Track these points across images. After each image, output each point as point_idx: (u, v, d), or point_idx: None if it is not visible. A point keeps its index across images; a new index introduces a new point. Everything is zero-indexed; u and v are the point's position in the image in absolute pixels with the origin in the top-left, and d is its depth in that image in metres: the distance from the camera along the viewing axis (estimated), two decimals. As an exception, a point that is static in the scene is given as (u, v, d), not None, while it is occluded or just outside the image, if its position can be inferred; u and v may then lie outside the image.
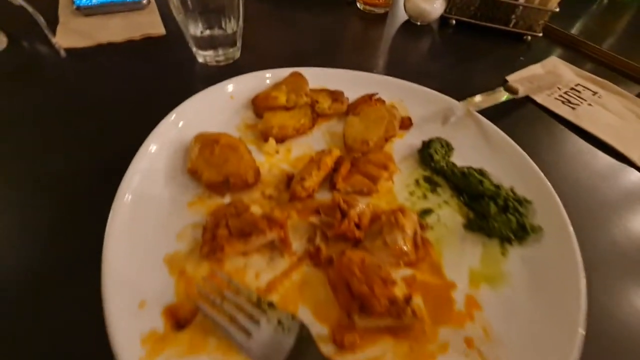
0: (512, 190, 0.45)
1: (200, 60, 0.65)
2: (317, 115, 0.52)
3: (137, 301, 0.32)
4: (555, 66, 0.76)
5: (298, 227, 0.40)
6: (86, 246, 0.34)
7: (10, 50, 0.64)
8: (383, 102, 0.54)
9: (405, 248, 0.37)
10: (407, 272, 0.38)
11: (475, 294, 0.36)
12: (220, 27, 0.61)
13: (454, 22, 0.86)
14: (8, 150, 0.47)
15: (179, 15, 0.58)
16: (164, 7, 0.75)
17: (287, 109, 0.51)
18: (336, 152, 0.46)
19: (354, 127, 0.49)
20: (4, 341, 0.31)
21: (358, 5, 0.90)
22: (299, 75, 0.54)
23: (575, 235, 0.39)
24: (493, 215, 0.42)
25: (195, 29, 0.60)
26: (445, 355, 0.32)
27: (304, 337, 0.31)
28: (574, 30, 0.93)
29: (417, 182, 0.47)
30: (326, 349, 0.31)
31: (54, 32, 0.66)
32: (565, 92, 0.69)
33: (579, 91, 0.70)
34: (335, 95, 0.54)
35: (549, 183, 0.44)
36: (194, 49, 0.64)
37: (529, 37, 0.83)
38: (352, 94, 0.55)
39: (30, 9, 0.62)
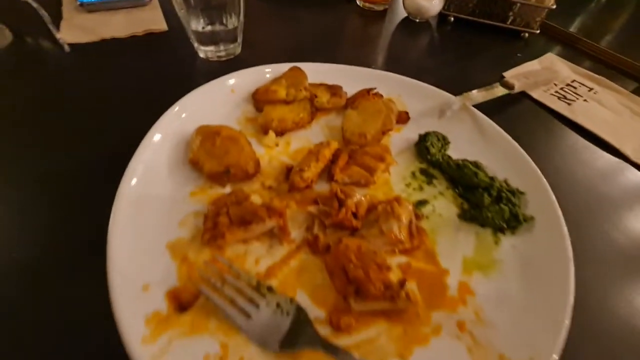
0: (506, 182, 0.46)
1: (202, 55, 0.66)
2: (316, 109, 0.53)
3: (141, 284, 0.33)
4: (552, 63, 0.77)
5: (297, 217, 0.42)
6: (92, 232, 0.36)
7: (15, 45, 0.65)
8: (381, 96, 0.55)
9: (400, 236, 0.38)
10: (402, 259, 0.39)
11: (468, 281, 0.38)
12: (222, 23, 0.62)
13: (452, 19, 0.87)
14: (15, 142, 0.48)
15: (180, 11, 0.59)
16: (166, 4, 0.76)
17: (286, 103, 0.52)
18: (334, 145, 0.47)
19: (352, 121, 0.51)
20: (18, 318, 0.33)
21: (357, 2, 0.91)
22: (299, 70, 0.55)
23: (566, 226, 0.40)
24: (486, 205, 0.43)
25: (196, 24, 0.61)
26: (438, 337, 0.33)
27: (301, 319, 0.32)
28: (572, 28, 0.94)
29: (413, 174, 0.48)
30: (323, 330, 0.32)
31: (57, 27, 0.67)
32: (562, 88, 0.70)
33: (574, 87, 0.71)
34: (334, 90, 0.55)
35: (541, 175, 0.45)
36: (196, 45, 0.65)
37: (526, 34, 0.84)
38: (350, 89, 0.56)
39: (34, 4, 0.63)
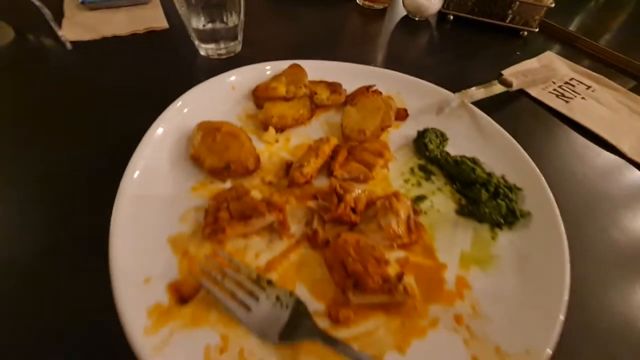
0: (503, 178, 0.46)
1: (203, 53, 0.66)
2: (315, 106, 0.54)
3: (142, 277, 0.33)
4: (551, 61, 0.78)
5: (296, 212, 0.42)
6: (94, 226, 0.36)
7: (17, 43, 0.65)
8: (380, 93, 0.56)
9: (398, 231, 0.39)
10: (400, 254, 0.39)
11: (466, 275, 0.38)
12: (222, 21, 0.63)
13: (451, 17, 0.88)
14: (17, 139, 0.49)
15: (181, 9, 0.59)
16: (167, 2, 0.77)
17: (286, 99, 0.53)
18: (334, 141, 0.47)
19: (351, 117, 0.51)
20: (22, 311, 0.33)
21: (357, 0, 0.92)
22: (299, 67, 0.56)
23: (563, 222, 0.41)
24: (484, 201, 0.43)
25: (197, 22, 0.61)
26: (435, 330, 0.34)
27: (300, 312, 0.33)
28: (571, 27, 0.94)
29: (412, 170, 0.49)
30: (322, 323, 0.33)
31: (59, 25, 0.67)
32: (560, 86, 0.71)
33: (573, 85, 0.72)
34: (334, 87, 0.55)
35: (538, 171, 0.46)
36: (196, 42, 0.65)
37: (525, 33, 0.84)
38: (350, 86, 0.56)
39: (37, 2, 0.63)
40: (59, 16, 0.70)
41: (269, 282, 0.35)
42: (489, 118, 0.53)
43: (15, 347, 0.31)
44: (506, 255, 0.40)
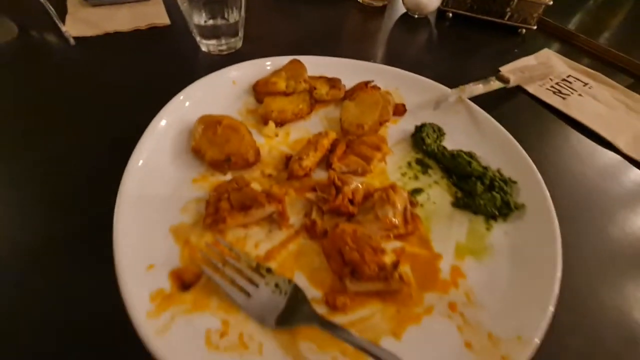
0: (499, 171, 0.47)
1: (204, 49, 0.67)
2: (315, 101, 0.55)
3: (145, 264, 0.34)
4: (548, 58, 0.79)
5: (295, 203, 0.43)
6: (99, 217, 0.37)
7: (20, 39, 0.66)
8: (378, 88, 0.56)
9: (395, 221, 0.40)
10: (397, 244, 0.40)
11: (460, 265, 0.39)
12: (223, 17, 0.63)
13: (450, 15, 0.88)
14: (21, 132, 0.50)
15: (183, 5, 0.60)
16: (169, -2, 0.78)
17: (286, 94, 0.54)
18: (332, 134, 0.48)
19: (350, 112, 0.52)
20: (29, 297, 0.34)
21: (357, -2, 0.93)
22: (298, 62, 0.57)
23: (557, 214, 0.41)
24: (479, 193, 0.44)
25: (199, 18, 0.62)
26: (430, 317, 0.35)
27: (299, 298, 0.34)
28: (570, 25, 0.95)
29: (409, 164, 0.49)
30: (320, 310, 0.34)
31: (63, 21, 0.68)
32: (557, 83, 0.71)
33: (570, 82, 0.72)
34: (333, 82, 0.56)
35: (533, 164, 0.46)
36: (198, 38, 0.66)
37: (524, 30, 0.85)
38: (349, 82, 0.57)
39: (41, -2, 0.64)
40: (62, 12, 0.71)
41: (269, 270, 0.36)
42: (485, 113, 0.54)
43: (19, 335, 0.32)
44: (500, 246, 0.41)
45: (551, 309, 0.33)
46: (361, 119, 0.51)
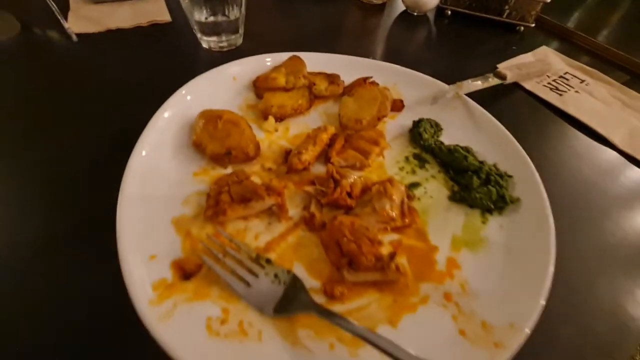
0: (495, 166, 0.48)
1: (205, 45, 0.68)
2: (314, 97, 0.55)
3: (147, 255, 0.35)
4: (546, 55, 0.79)
5: (294, 197, 0.44)
6: (99, 216, 0.38)
7: (23, 35, 0.67)
8: (377, 84, 0.57)
9: (392, 214, 0.40)
10: (394, 237, 0.41)
11: (456, 256, 0.40)
12: (224, 14, 0.64)
13: (449, 12, 0.89)
14: (24, 128, 0.51)
15: (184, 2, 0.61)
16: (170, -5, 0.79)
17: (286, 90, 0.55)
18: (331, 129, 0.49)
19: (349, 107, 0.53)
20: (29, 297, 0.35)
21: (357, -4, 0.93)
22: (298, 58, 0.58)
23: (552, 209, 0.42)
24: (475, 187, 0.45)
25: (199, 15, 0.63)
26: (426, 306, 0.35)
27: (297, 287, 0.34)
28: (568, 22, 0.95)
29: (406, 158, 0.50)
30: (318, 299, 0.35)
31: (65, 18, 0.69)
32: (554, 80, 0.72)
33: (567, 79, 0.73)
34: (332, 78, 0.57)
35: (529, 159, 0.47)
36: (199, 35, 0.67)
37: (522, 28, 0.86)
38: (348, 78, 0.58)
39: (43, -5, 0.65)
40: (64, 9, 0.71)
41: (268, 261, 0.36)
42: (482, 109, 0.55)
43: (23, 327, 0.33)
44: (495, 238, 0.42)
45: (543, 298, 0.34)
46: (359, 114, 0.51)
